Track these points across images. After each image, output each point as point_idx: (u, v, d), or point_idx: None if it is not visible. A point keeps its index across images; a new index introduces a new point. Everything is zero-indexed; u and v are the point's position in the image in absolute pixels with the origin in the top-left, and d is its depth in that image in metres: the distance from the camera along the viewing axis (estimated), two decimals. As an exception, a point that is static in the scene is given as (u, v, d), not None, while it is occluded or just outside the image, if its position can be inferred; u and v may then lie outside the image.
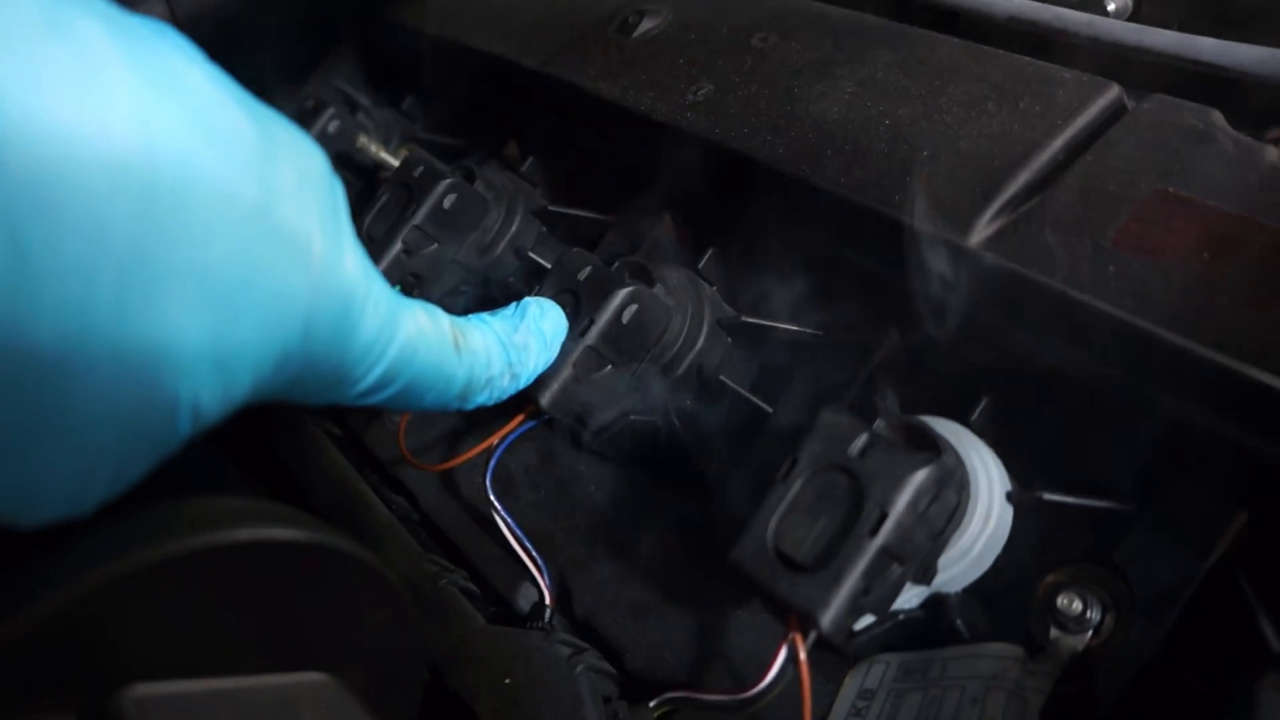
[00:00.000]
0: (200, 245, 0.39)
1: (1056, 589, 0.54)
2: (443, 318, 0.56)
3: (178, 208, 0.38)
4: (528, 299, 0.64)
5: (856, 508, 0.51)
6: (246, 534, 0.42)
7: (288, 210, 0.43)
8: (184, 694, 0.40)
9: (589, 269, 0.66)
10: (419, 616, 0.51)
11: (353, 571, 0.46)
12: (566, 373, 0.63)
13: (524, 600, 0.69)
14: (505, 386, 0.61)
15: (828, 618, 0.49)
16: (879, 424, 0.54)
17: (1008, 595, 0.57)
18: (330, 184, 0.47)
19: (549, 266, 0.77)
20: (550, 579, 0.66)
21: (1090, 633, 0.53)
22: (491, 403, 0.61)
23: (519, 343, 0.61)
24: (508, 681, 0.62)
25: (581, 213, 0.82)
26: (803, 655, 0.52)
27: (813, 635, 0.52)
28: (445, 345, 0.56)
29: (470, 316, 0.60)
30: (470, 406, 0.60)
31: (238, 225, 0.41)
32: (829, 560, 0.50)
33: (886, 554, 0.50)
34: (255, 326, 0.43)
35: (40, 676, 0.38)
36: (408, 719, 0.53)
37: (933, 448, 0.52)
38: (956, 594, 0.57)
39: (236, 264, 0.41)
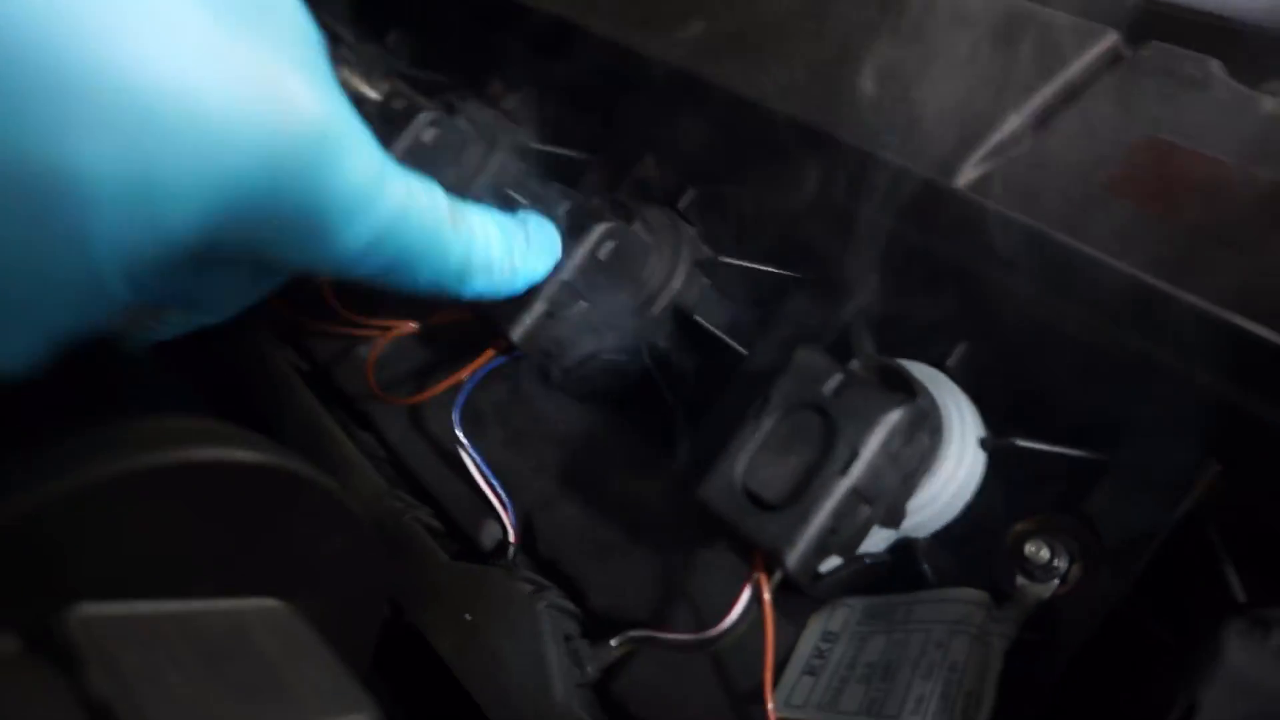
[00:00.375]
0: (111, 56, 0.36)
1: (1025, 537, 0.54)
2: (439, 192, 0.54)
3: (82, 14, 0.35)
4: (526, 211, 0.62)
5: (828, 447, 0.50)
6: (202, 454, 0.41)
7: (243, 38, 0.40)
8: (132, 615, 0.39)
9: (567, 204, 0.65)
10: (382, 548, 0.51)
11: (311, 497, 0.45)
12: (539, 307, 0.62)
13: (488, 538, 0.68)
14: (505, 278, 0.59)
15: (793, 556, 0.48)
16: (854, 364, 0.53)
17: (976, 542, 0.56)
18: (303, 24, 0.45)
19: (528, 205, 0.75)
20: (515, 517, 0.66)
21: (1057, 581, 0.53)
22: (491, 294, 0.59)
23: (519, 236, 0.59)
24: (468, 617, 0.61)
25: (563, 151, 0.80)
26: (766, 595, 0.52)
27: (778, 576, 0.52)
28: (441, 217, 0.53)
29: (469, 202, 0.58)
30: (470, 292, 0.58)
31: (169, 43, 0.38)
32: (797, 499, 0.49)
33: (856, 494, 0.50)
34: (188, 152, 0.39)
35: (-17, 591, 0.37)
36: (365, 651, 0.52)
37: (907, 389, 0.52)
38: (924, 539, 0.56)
39: (164, 82, 0.38)
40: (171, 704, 0.36)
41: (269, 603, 0.44)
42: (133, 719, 0.34)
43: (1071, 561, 0.53)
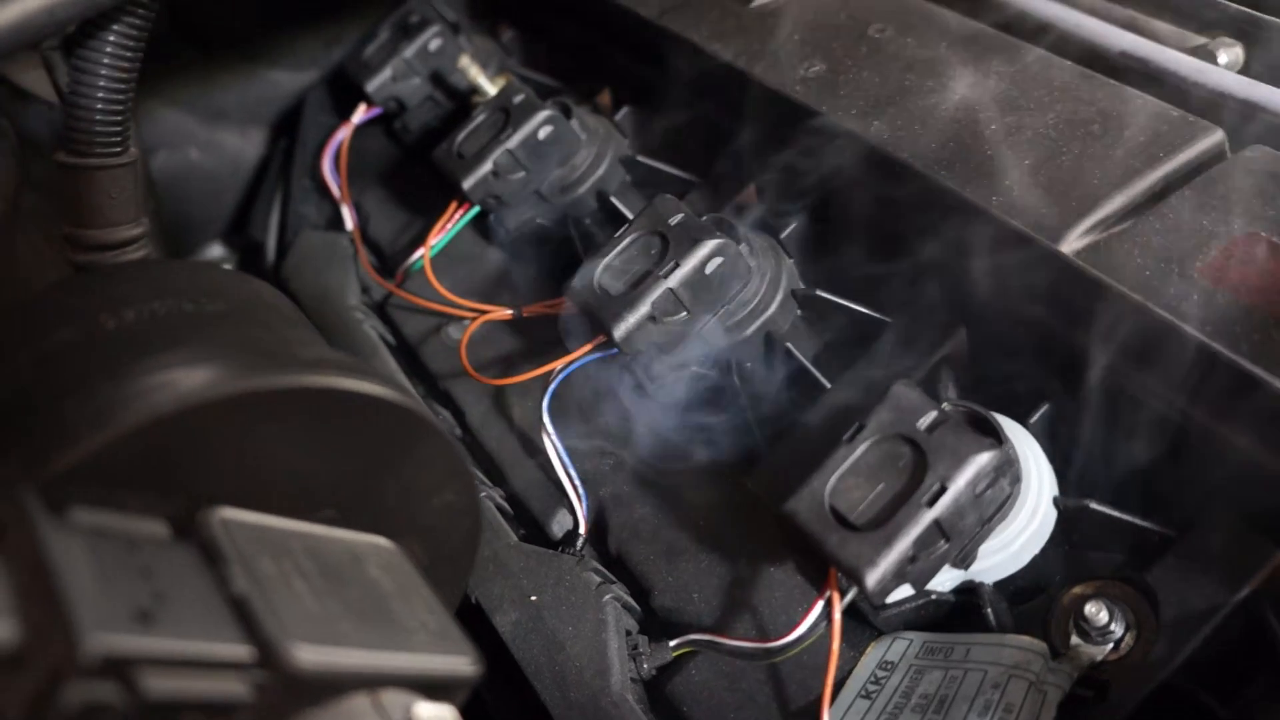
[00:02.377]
0: None
1: (1085, 598, 0.55)
2: None
3: None
4: None
5: (917, 478, 0.52)
6: (345, 382, 0.43)
7: None
8: (265, 525, 0.41)
9: (681, 215, 0.67)
10: (481, 512, 0.53)
11: (434, 446, 0.47)
12: (644, 310, 0.64)
13: (558, 527, 0.70)
14: None
15: (874, 577, 0.50)
16: (947, 405, 0.55)
17: (1033, 597, 0.58)
18: None
19: (627, 214, 0.78)
20: (588, 509, 0.67)
21: (1111, 645, 0.54)
22: None
23: None
24: (533, 599, 0.63)
25: (668, 168, 0.83)
26: (837, 613, 0.53)
27: (849, 596, 0.54)
28: None
29: None
30: None
31: None
32: (882, 524, 0.51)
33: (938, 528, 0.52)
34: None
35: (134, 482, 0.39)
36: (450, 607, 0.54)
37: (996, 436, 0.53)
38: (988, 585, 0.58)
39: None
40: (299, 610, 0.38)
41: (382, 540, 0.46)
42: (268, 617, 0.36)
43: (1127, 629, 0.54)
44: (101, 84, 0.56)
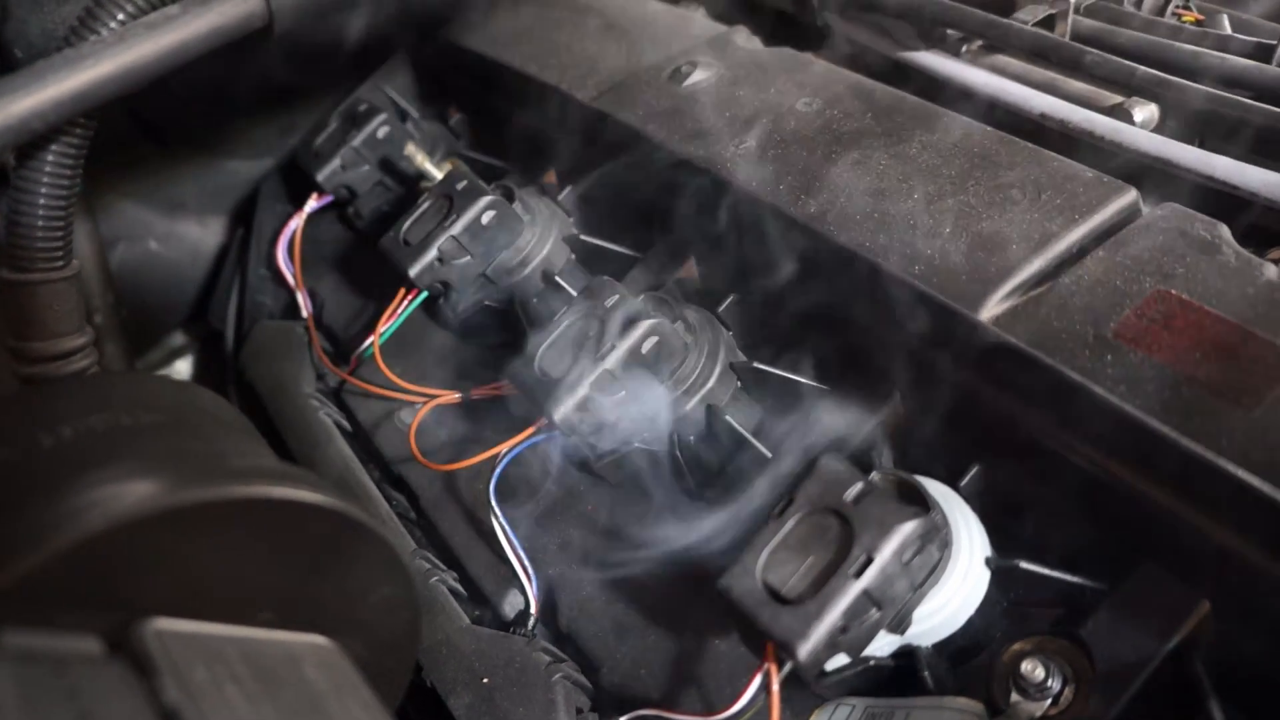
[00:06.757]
0: None
1: (1022, 655, 0.57)
2: None
3: None
4: None
5: (844, 550, 0.53)
6: (277, 491, 0.44)
7: None
8: (200, 634, 0.42)
9: (616, 297, 0.69)
10: (420, 604, 0.54)
11: (369, 544, 0.48)
12: (582, 392, 0.66)
13: (509, 607, 0.71)
14: None
15: (805, 649, 0.51)
16: (874, 475, 0.57)
17: (974, 656, 0.60)
18: None
19: (573, 293, 0.80)
20: (538, 588, 0.68)
21: (1049, 701, 0.55)
22: None
23: None
24: (485, 681, 0.64)
25: (611, 246, 0.85)
26: (775, 686, 0.54)
27: (786, 668, 0.55)
28: None
29: None
30: None
31: None
32: (812, 596, 0.53)
33: (868, 597, 0.53)
34: None
35: (68, 600, 0.40)
36: (393, 700, 0.55)
37: (923, 504, 0.55)
38: (926, 648, 0.59)
39: None
40: (231, 718, 0.39)
41: (319, 639, 0.47)
42: (199, 729, 0.37)
43: (1065, 683, 0.55)
44: (41, 202, 0.57)
